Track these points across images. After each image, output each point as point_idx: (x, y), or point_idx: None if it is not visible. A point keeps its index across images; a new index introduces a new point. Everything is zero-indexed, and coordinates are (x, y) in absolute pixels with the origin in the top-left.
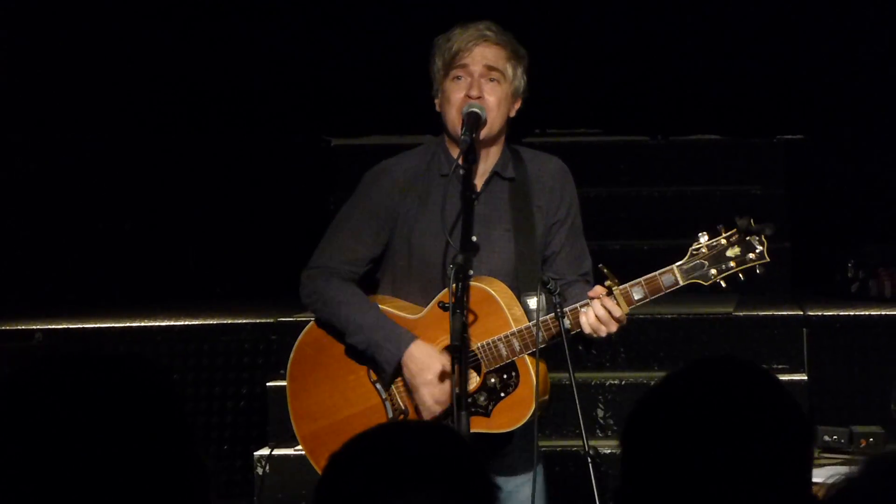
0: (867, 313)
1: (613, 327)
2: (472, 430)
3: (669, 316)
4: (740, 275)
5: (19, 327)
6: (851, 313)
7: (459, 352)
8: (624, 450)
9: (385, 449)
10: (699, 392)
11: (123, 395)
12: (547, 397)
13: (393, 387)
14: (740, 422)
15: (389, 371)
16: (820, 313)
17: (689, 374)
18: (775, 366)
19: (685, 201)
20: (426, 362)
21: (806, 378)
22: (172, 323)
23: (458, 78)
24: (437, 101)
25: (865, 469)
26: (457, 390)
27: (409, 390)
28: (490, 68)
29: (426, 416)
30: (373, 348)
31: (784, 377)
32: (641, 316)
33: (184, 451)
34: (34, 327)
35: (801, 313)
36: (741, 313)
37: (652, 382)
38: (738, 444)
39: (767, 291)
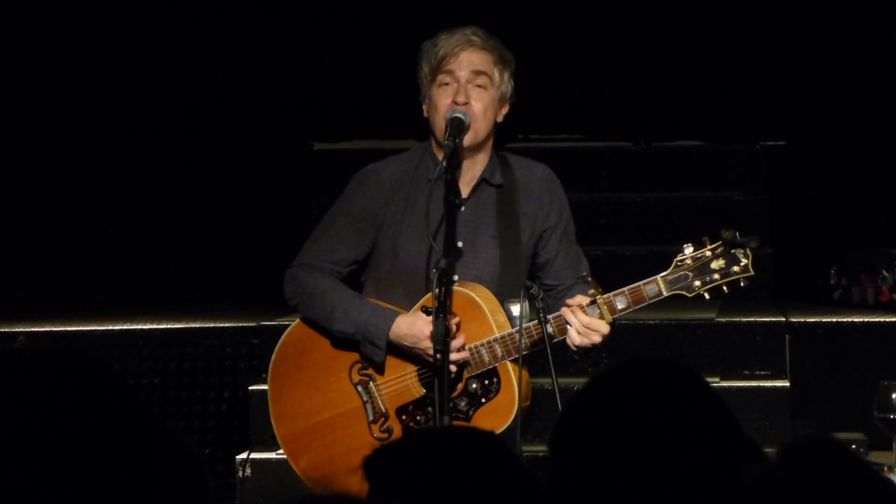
0: (849, 320)
1: (597, 338)
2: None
3: (652, 322)
4: (724, 287)
5: (2, 330)
6: (834, 320)
7: (443, 356)
8: (553, 456)
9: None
10: (622, 395)
11: (58, 391)
12: (528, 403)
13: (373, 388)
14: (663, 422)
15: (382, 346)
16: (802, 320)
17: (612, 377)
18: (757, 372)
19: (668, 207)
20: (414, 328)
21: (788, 384)
22: (154, 326)
23: (444, 84)
24: (424, 106)
25: (782, 458)
26: (438, 395)
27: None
28: (476, 73)
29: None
30: (361, 329)
31: (766, 383)
32: (624, 321)
33: (134, 445)
34: (17, 330)
35: (784, 319)
36: (723, 319)
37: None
38: (662, 444)
39: (750, 298)
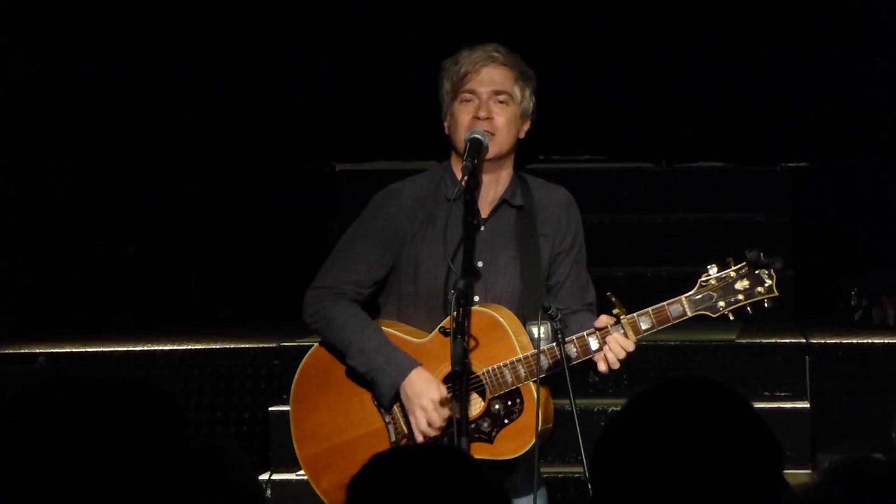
0: (870, 341)
1: (624, 357)
2: (475, 457)
3: (672, 342)
4: (748, 308)
5: (22, 351)
6: (854, 341)
7: (460, 377)
8: (594, 474)
9: (404, 476)
10: (665, 413)
11: (125, 421)
12: (550, 425)
13: (396, 410)
14: (707, 441)
15: (388, 395)
16: (823, 341)
17: (654, 395)
18: (778, 393)
19: (689, 228)
20: (424, 388)
21: (808, 405)
22: (175, 347)
23: (466, 100)
24: (445, 123)
25: (824, 479)
26: (458, 416)
27: (406, 415)
28: (498, 91)
29: (419, 440)
30: (373, 372)
31: (786, 404)
32: (644, 342)
33: (183, 478)
34: (37, 351)
35: (804, 341)
36: (744, 340)
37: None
38: (706, 463)
39: (770, 319)
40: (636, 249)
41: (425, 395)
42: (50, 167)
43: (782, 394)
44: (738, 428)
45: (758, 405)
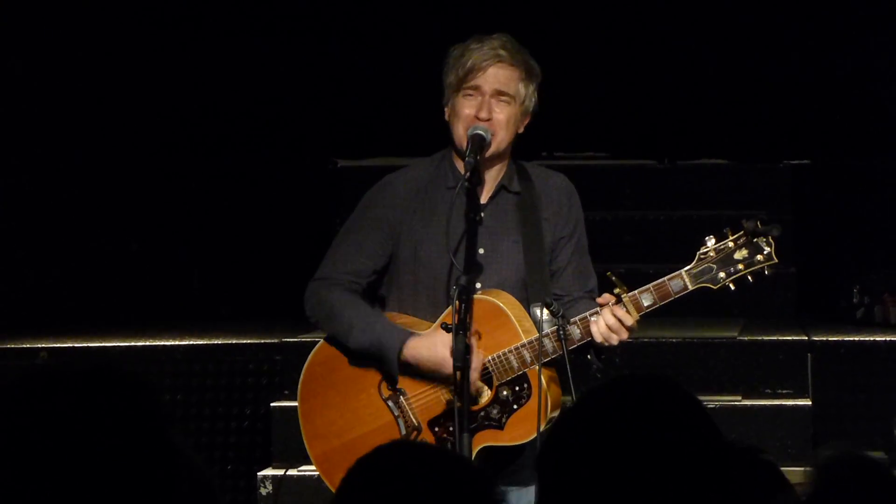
0: (872, 339)
1: (624, 335)
2: (486, 444)
3: (674, 340)
4: (749, 277)
5: (24, 345)
6: (856, 339)
7: (463, 372)
8: (540, 475)
9: (393, 475)
10: (607, 412)
11: (92, 410)
12: (559, 411)
13: (404, 402)
14: (646, 438)
15: (394, 362)
16: (825, 339)
17: (599, 394)
18: (780, 391)
19: (691, 225)
20: (435, 352)
21: (810, 403)
22: (177, 342)
23: (469, 95)
24: (446, 109)
25: (819, 479)
26: (459, 405)
27: (414, 408)
28: (501, 91)
29: (475, 375)
30: (376, 343)
31: (788, 402)
32: (646, 340)
33: (162, 466)
34: (39, 346)
35: (806, 338)
36: (746, 338)
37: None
38: (649, 461)
39: (772, 316)
40: (638, 246)
41: (447, 364)
42: (53, 163)
43: (784, 391)
44: (675, 420)
45: (759, 403)
